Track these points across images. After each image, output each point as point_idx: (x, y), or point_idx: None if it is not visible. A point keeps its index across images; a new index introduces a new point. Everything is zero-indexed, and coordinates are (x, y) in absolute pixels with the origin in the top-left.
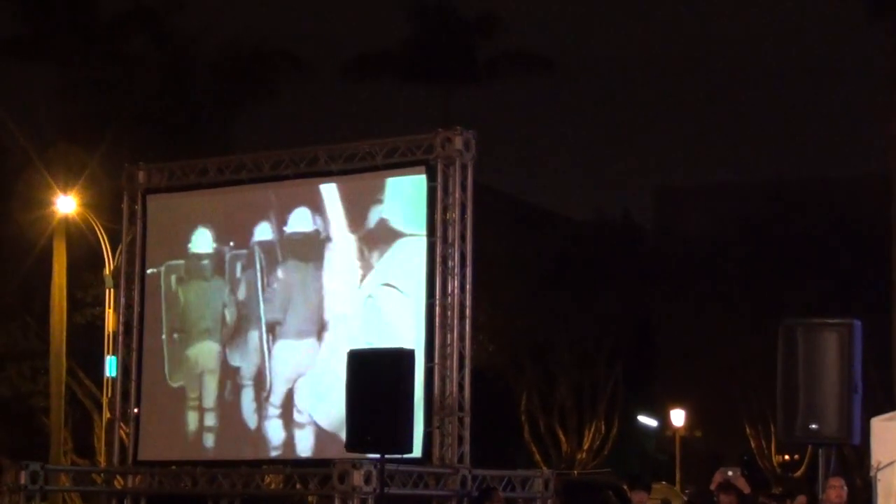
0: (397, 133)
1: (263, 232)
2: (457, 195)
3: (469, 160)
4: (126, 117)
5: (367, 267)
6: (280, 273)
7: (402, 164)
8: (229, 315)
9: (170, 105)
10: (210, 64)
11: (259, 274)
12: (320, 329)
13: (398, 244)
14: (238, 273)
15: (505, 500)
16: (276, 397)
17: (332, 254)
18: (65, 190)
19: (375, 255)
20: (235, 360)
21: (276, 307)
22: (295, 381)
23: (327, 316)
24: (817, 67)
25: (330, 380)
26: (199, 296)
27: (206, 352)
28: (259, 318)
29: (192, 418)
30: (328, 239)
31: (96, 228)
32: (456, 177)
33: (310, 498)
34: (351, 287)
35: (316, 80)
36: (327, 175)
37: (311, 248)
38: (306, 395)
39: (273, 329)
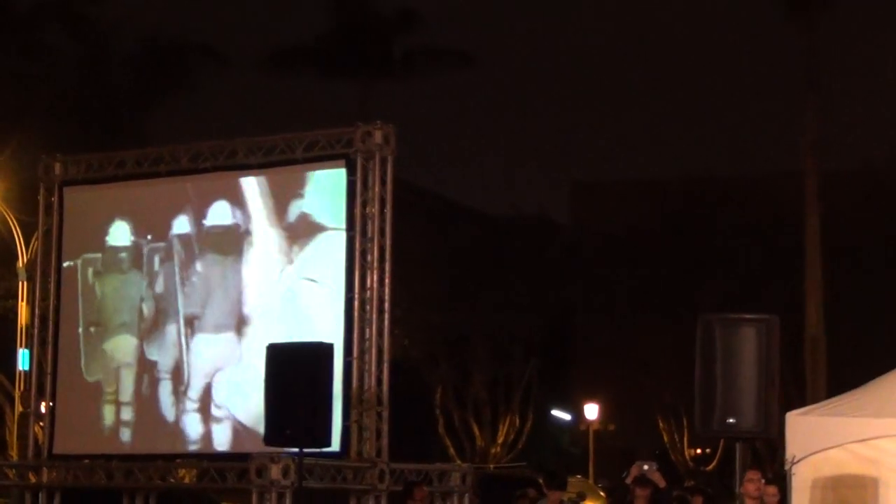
0: (317, 127)
1: (182, 225)
2: (376, 189)
3: (389, 154)
4: (41, 109)
5: (286, 261)
6: (199, 266)
7: (321, 158)
8: (147, 309)
9: (87, 97)
10: (127, 56)
11: (177, 267)
12: (239, 323)
13: (318, 238)
14: (156, 266)
15: (429, 494)
16: (194, 391)
17: (251, 248)
18: None
19: (295, 248)
20: (153, 354)
21: (194, 301)
22: (213, 375)
23: (246, 310)
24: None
25: (248, 374)
26: (116, 289)
27: (122, 346)
28: (177, 312)
29: (108, 412)
30: (248, 233)
31: (9, 221)
32: (375, 171)
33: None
34: (270, 281)
35: (234, 73)
36: (246, 168)
37: (230, 242)
38: (224, 390)
39: (191, 323)
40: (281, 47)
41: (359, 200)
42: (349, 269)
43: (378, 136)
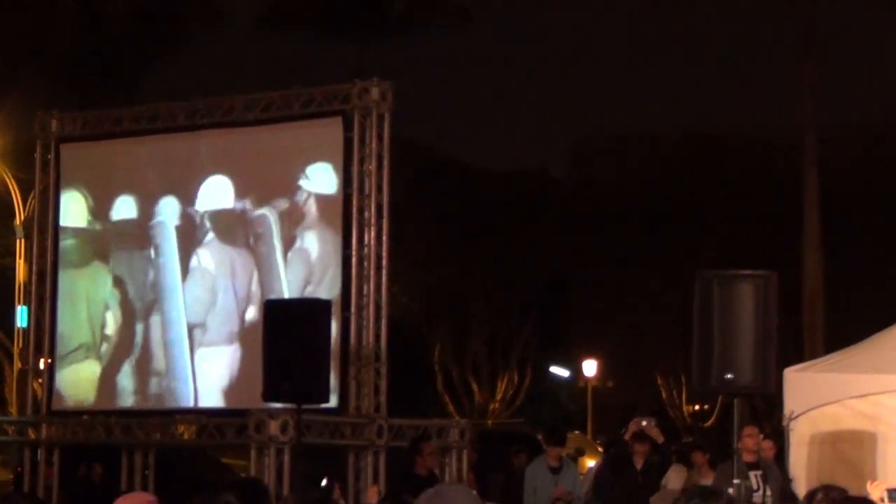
0: (314, 84)
1: (181, 192)
2: (374, 146)
3: (386, 111)
4: (38, 66)
5: (287, 221)
6: (200, 233)
7: (318, 115)
8: (145, 276)
9: (83, 54)
10: (124, 12)
11: (176, 234)
12: (237, 287)
13: (318, 197)
14: (156, 237)
15: (435, 451)
16: (196, 347)
17: (253, 212)
18: None
19: (297, 209)
20: (153, 312)
21: (195, 267)
22: (215, 332)
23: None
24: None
25: (248, 332)
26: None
27: (120, 303)
28: (175, 280)
29: (106, 368)
30: (248, 198)
31: (6, 178)
32: (373, 128)
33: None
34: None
35: (232, 30)
36: (243, 125)
37: (229, 210)
38: (224, 347)
39: (191, 290)
40: (277, 3)
41: (356, 157)
42: (346, 226)
43: (375, 93)
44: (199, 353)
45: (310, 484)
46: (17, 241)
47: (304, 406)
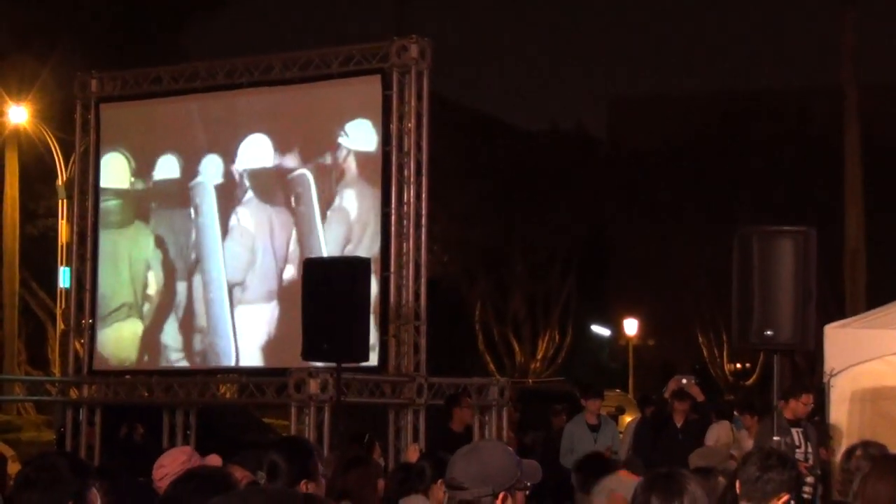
0: (352, 42)
1: (222, 152)
2: (412, 104)
3: (425, 68)
4: (77, 26)
5: (327, 180)
6: (240, 193)
7: (357, 73)
8: (187, 237)
9: (121, 13)
10: None
11: (216, 194)
12: (276, 244)
13: (358, 156)
14: (196, 196)
15: (472, 406)
16: (236, 306)
17: (293, 171)
18: (17, 100)
19: (337, 167)
20: (194, 271)
21: (235, 227)
22: (254, 290)
23: (287, 234)
24: None
25: (289, 293)
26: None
27: (161, 263)
28: (216, 239)
29: (148, 328)
30: (288, 158)
31: (48, 139)
32: (411, 85)
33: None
34: (310, 203)
35: None
36: (282, 84)
37: (270, 169)
38: (263, 305)
39: (232, 249)
40: None
41: (395, 115)
42: (385, 184)
43: (414, 51)
44: (239, 311)
45: (353, 442)
46: (60, 202)
47: (344, 365)
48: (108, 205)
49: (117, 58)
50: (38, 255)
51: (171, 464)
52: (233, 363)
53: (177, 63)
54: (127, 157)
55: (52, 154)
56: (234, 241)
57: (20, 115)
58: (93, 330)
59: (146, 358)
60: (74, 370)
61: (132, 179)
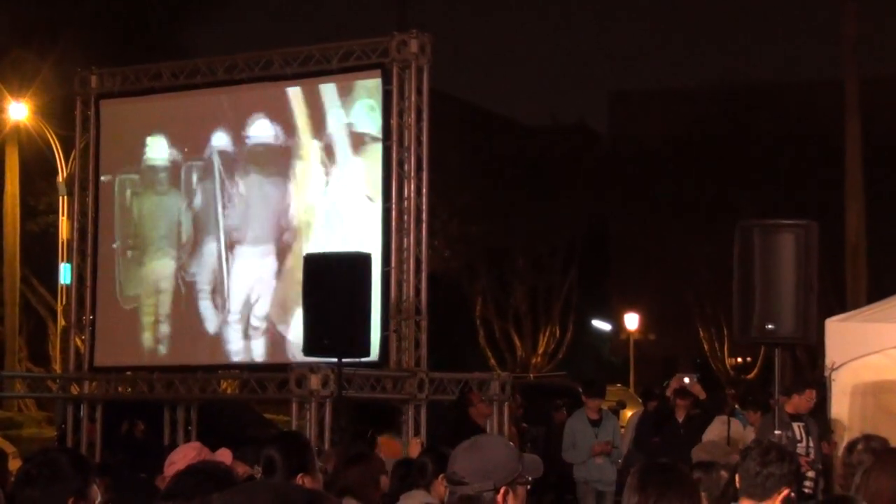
0: (353, 37)
1: (221, 140)
2: (412, 99)
3: (425, 63)
4: (78, 23)
5: (329, 174)
6: (240, 182)
7: (357, 68)
8: (186, 227)
9: (122, 10)
10: None
11: (217, 184)
12: (281, 239)
13: (361, 149)
14: (194, 183)
15: (484, 399)
16: (235, 306)
17: (293, 162)
18: (17, 96)
19: (338, 162)
20: (192, 272)
21: (234, 217)
22: (253, 289)
23: (288, 227)
24: None
25: (289, 288)
26: (154, 208)
27: (161, 263)
28: (217, 229)
29: (147, 328)
30: (289, 147)
31: (49, 135)
32: (412, 80)
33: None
34: (313, 197)
35: None
36: (282, 79)
37: (271, 158)
38: (265, 304)
39: (231, 240)
40: None
41: (395, 110)
42: (386, 179)
43: (414, 46)
44: (240, 298)
45: (355, 438)
46: (60, 198)
47: (345, 360)
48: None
49: (118, 54)
50: (39, 251)
51: (182, 459)
52: (233, 360)
53: (177, 59)
54: (125, 145)
55: (53, 150)
56: (233, 223)
57: (21, 111)
58: (93, 326)
59: (145, 354)
60: (75, 366)
61: (128, 167)
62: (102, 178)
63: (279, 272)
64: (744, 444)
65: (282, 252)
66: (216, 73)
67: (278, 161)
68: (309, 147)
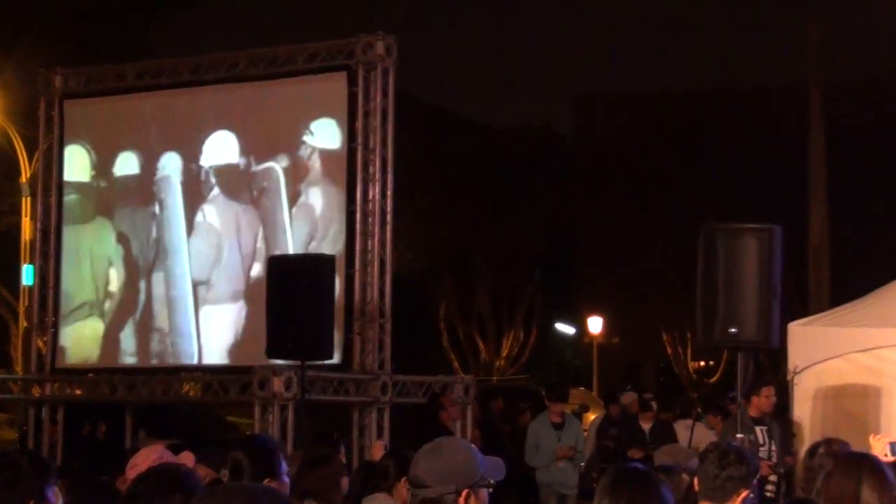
0: (319, 38)
1: (185, 147)
2: (378, 101)
3: (390, 65)
4: (41, 22)
5: (291, 177)
6: (204, 190)
7: (323, 70)
8: (149, 231)
9: (86, 9)
10: None
11: (180, 192)
12: (243, 241)
13: (322, 153)
14: (158, 188)
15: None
16: (199, 314)
17: (256, 169)
18: None
19: (302, 164)
20: (155, 277)
21: (198, 222)
22: (220, 289)
23: (253, 230)
24: None
25: (252, 289)
26: (118, 217)
27: (124, 259)
28: (180, 235)
29: (109, 332)
30: (253, 154)
31: (11, 136)
32: (377, 82)
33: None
34: (275, 201)
35: None
36: (247, 80)
37: (232, 170)
38: (229, 304)
39: (195, 248)
40: None
41: (360, 112)
42: (350, 181)
43: (380, 47)
44: (204, 310)
45: (319, 441)
46: (23, 199)
47: (308, 362)
48: (70, 199)
49: (82, 54)
50: (1, 252)
51: (144, 462)
52: (195, 363)
53: (143, 59)
54: (89, 151)
55: (16, 151)
56: (199, 238)
57: None
58: (55, 328)
59: (107, 356)
60: (37, 368)
61: (93, 173)
62: (66, 179)
63: (243, 276)
64: None
65: (245, 255)
66: (181, 74)
67: (241, 167)
68: (273, 152)
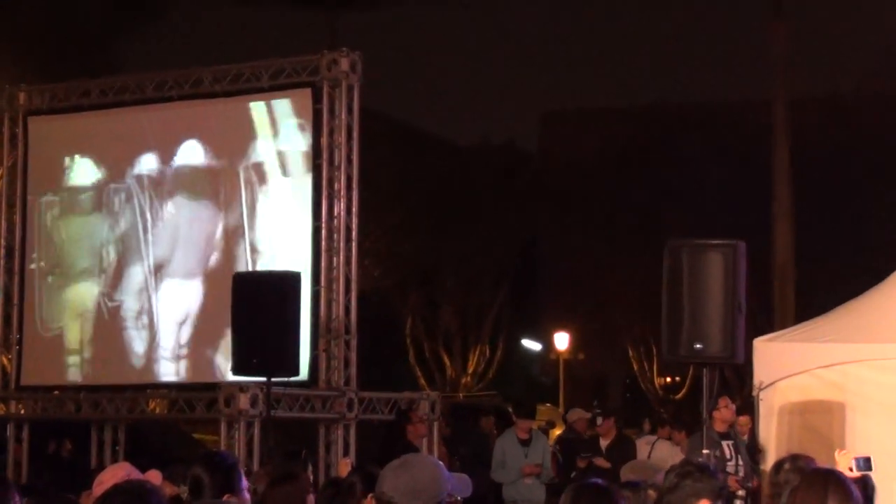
0: (285, 55)
1: (148, 163)
2: (343, 117)
3: (355, 82)
4: (5, 38)
5: (257, 194)
6: (167, 204)
7: (287, 86)
8: (109, 250)
9: (54, 26)
10: None
11: (143, 209)
12: (208, 259)
13: (290, 169)
14: (118, 206)
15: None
16: (163, 327)
17: (221, 184)
18: None
19: (268, 181)
20: (117, 297)
21: (160, 240)
22: (181, 311)
23: (217, 247)
24: None
25: (218, 313)
26: (77, 232)
27: (84, 287)
28: (142, 253)
29: (73, 352)
30: (217, 169)
31: None
32: (342, 99)
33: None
34: (242, 217)
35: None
36: (211, 97)
37: (198, 180)
38: (192, 324)
39: (159, 267)
40: None
41: (325, 129)
42: (316, 198)
43: (344, 64)
44: (167, 321)
45: (287, 458)
46: None
47: (274, 379)
48: (36, 213)
49: (46, 71)
50: None
51: (111, 479)
52: (161, 379)
53: (108, 76)
54: (53, 165)
55: None
56: (160, 247)
57: None
58: (20, 345)
59: (72, 373)
60: (1, 385)
61: (55, 188)
62: (29, 197)
63: (206, 294)
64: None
65: (209, 274)
66: (145, 91)
67: (205, 183)
68: (237, 168)
